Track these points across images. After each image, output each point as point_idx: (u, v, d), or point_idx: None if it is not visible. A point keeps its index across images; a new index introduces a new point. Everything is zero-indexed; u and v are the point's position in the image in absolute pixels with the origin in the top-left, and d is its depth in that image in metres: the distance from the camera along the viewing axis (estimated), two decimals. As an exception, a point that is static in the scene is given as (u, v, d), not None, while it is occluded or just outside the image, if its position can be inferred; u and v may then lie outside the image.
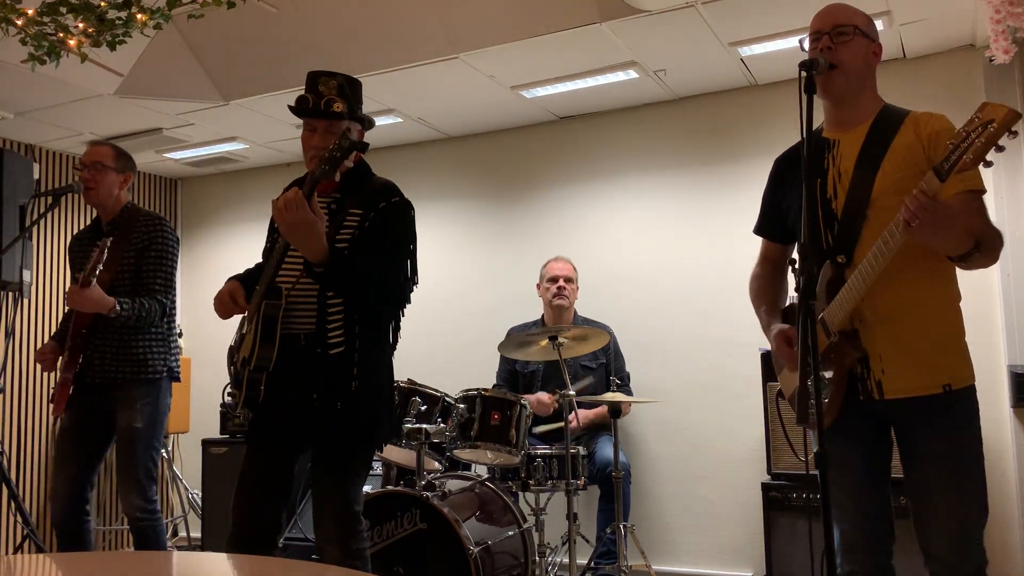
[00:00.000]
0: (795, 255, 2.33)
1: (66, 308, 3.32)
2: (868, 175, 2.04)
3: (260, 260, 2.62)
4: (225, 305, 2.50)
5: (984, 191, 2.01)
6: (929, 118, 2.06)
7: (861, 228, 2.04)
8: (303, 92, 2.47)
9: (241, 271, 2.65)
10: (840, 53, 2.05)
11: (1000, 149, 1.70)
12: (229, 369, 2.56)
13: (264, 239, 2.65)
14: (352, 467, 2.41)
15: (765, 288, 2.37)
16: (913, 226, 1.81)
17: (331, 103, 2.45)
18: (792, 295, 2.39)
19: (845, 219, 2.07)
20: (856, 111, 2.12)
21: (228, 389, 2.56)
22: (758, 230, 2.40)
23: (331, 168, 2.27)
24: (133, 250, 3.21)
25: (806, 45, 2.13)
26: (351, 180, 2.50)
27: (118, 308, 3.04)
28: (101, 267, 2.98)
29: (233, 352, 2.55)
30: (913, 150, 2.02)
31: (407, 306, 2.55)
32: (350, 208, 2.43)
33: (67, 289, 3.09)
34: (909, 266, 2.00)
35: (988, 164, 1.75)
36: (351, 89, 2.51)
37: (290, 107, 2.50)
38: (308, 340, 2.39)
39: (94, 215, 3.41)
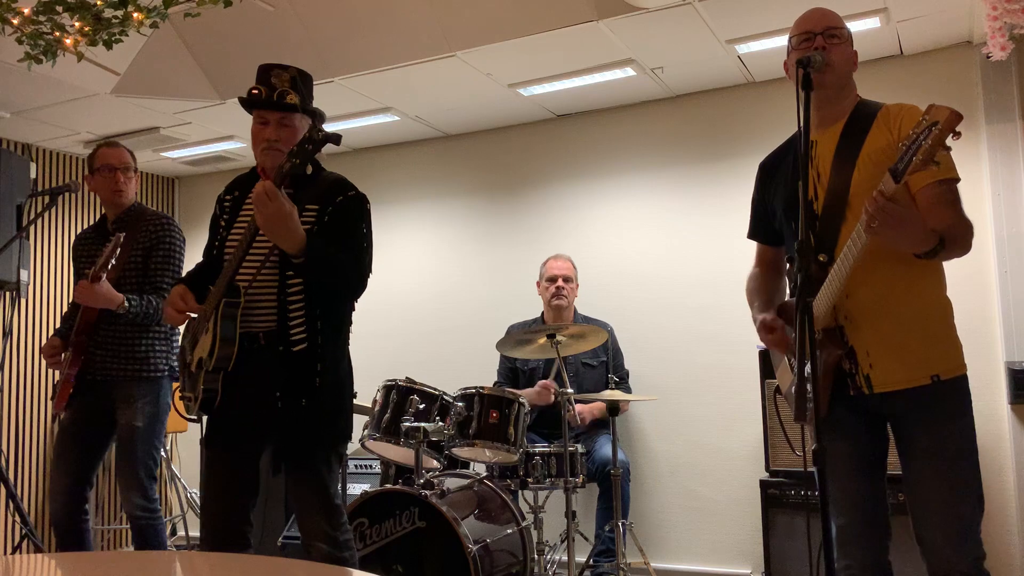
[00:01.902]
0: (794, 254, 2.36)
1: (67, 307, 3.33)
2: (845, 175, 2.08)
3: (204, 259, 2.60)
4: (178, 310, 2.46)
5: (957, 179, 2.03)
6: (900, 113, 2.09)
7: (840, 228, 2.07)
8: (254, 86, 2.44)
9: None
10: (832, 54, 2.11)
11: (947, 149, 1.75)
12: (181, 372, 2.53)
13: None
14: (327, 461, 2.42)
15: (759, 287, 2.40)
16: (874, 227, 1.85)
17: (284, 95, 2.44)
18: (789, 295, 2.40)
19: (825, 219, 2.10)
20: (832, 112, 2.16)
21: (180, 393, 2.51)
22: (751, 235, 2.44)
23: (303, 161, 2.25)
24: (140, 248, 3.22)
25: (792, 44, 2.17)
26: (302, 175, 2.49)
27: (126, 304, 3.07)
28: (114, 262, 3.01)
29: (184, 354, 2.51)
30: (888, 151, 2.04)
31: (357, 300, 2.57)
32: (305, 203, 2.42)
33: (76, 285, 3.10)
34: (892, 260, 2.02)
35: (936, 163, 1.79)
36: (303, 82, 2.50)
37: (241, 99, 2.46)
38: (268, 338, 2.38)
39: (99, 214, 3.42)
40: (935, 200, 1.99)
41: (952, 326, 2.09)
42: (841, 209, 2.06)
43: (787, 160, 2.25)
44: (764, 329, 2.23)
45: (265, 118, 2.44)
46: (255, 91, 2.43)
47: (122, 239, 3.03)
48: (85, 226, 4.21)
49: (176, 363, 3.31)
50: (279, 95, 2.43)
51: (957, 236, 1.98)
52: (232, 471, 2.43)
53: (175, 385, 2.82)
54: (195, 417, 2.50)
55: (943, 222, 1.96)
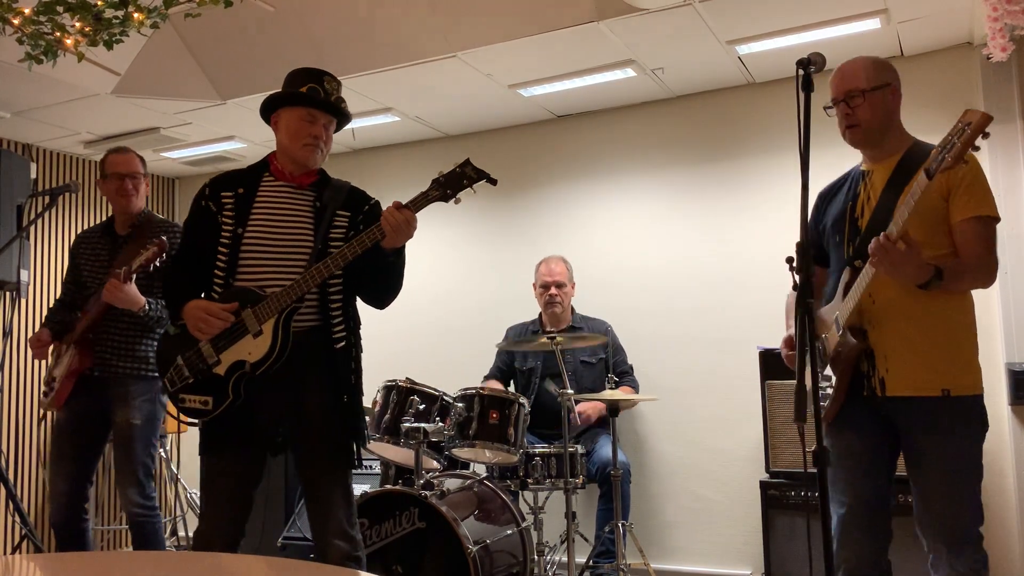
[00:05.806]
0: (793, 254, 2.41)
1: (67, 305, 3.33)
2: (891, 199, 2.24)
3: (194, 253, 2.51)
4: (220, 318, 2.36)
5: (997, 218, 2.17)
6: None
7: None
8: (305, 84, 2.50)
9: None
10: (858, 115, 2.28)
11: (975, 148, 1.91)
12: (186, 377, 2.41)
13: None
14: (355, 458, 2.46)
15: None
16: (874, 263, 2.06)
17: (341, 101, 2.53)
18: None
19: (867, 233, 2.24)
20: (885, 148, 2.32)
21: (190, 398, 2.40)
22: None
23: (452, 194, 2.43)
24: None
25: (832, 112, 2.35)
26: (319, 178, 2.56)
27: (147, 308, 3.11)
28: (158, 263, 3.01)
29: (198, 359, 2.40)
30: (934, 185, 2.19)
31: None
32: (336, 209, 2.48)
33: (107, 283, 3.05)
34: None
35: (965, 162, 1.97)
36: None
37: (297, 93, 2.49)
38: (302, 337, 2.38)
39: (100, 214, 3.43)
40: (971, 236, 2.15)
41: (972, 346, 2.19)
42: (883, 227, 2.19)
43: (843, 188, 2.44)
44: (788, 345, 2.41)
45: (315, 116, 2.49)
46: (315, 90, 2.48)
47: (166, 244, 3.05)
48: (86, 226, 4.20)
49: None
50: (337, 100, 2.52)
51: (965, 272, 2.13)
52: (245, 469, 2.43)
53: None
54: (195, 421, 2.45)
55: (969, 257, 2.14)
